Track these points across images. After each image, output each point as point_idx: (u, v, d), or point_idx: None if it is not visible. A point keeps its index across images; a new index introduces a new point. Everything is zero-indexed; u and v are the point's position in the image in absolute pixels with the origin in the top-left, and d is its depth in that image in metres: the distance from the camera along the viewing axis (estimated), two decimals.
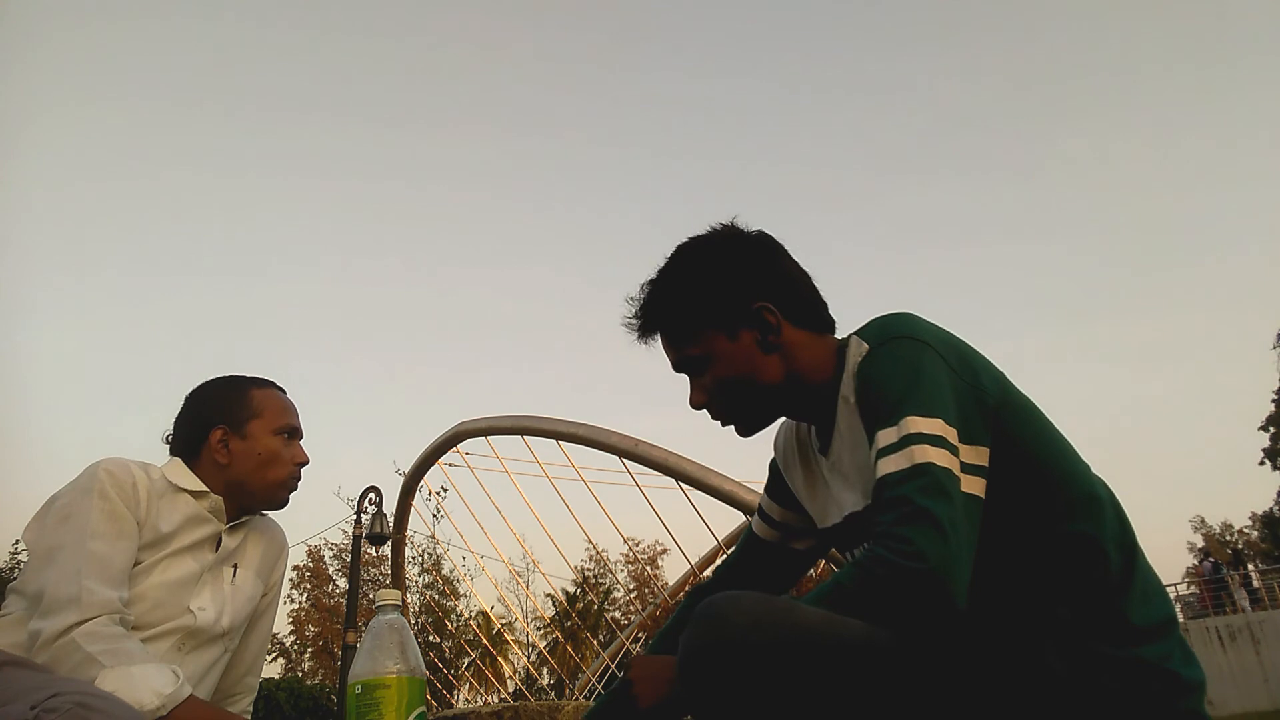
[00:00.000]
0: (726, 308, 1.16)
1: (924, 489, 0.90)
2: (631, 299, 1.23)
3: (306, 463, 1.64)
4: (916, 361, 1.00)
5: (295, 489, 1.63)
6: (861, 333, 1.11)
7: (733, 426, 1.20)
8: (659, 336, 1.22)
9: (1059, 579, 0.97)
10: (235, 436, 1.56)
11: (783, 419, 1.30)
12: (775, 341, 1.15)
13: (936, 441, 0.92)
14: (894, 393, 0.98)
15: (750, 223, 1.24)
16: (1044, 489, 1.00)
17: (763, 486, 1.39)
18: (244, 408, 1.59)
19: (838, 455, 1.14)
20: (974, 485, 0.94)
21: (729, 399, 1.17)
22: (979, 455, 0.96)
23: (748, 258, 1.19)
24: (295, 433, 1.63)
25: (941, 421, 0.94)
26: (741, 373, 1.15)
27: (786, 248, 1.23)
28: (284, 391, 1.68)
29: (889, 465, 0.94)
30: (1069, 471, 1.03)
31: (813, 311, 1.19)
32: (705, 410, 1.20)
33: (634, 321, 1.23)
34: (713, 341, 1.16)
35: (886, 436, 0.96)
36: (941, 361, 1.00)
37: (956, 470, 0.92)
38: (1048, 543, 0.98)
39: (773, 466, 1.35)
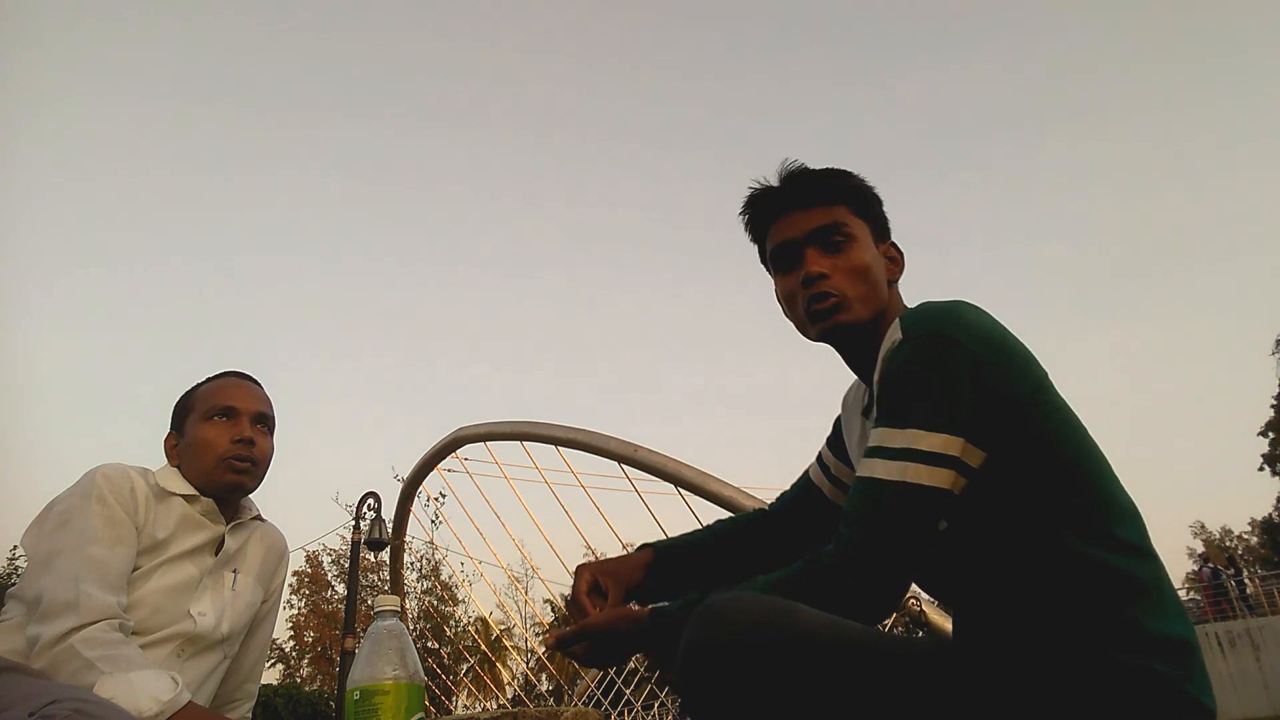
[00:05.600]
0: (881, 215, 1.24)
1: (886, 505, 0.92)
2: (793, 162, 1.24)
3: (244, 437, 1.51)
4: (937, 365, 0.96)
5: (243, 468, 1.51)
6: (904, 315, 1.05)
7: (825, 317, 1.16)
8: (819, 196, 1.20)
9: (1084, 586, 0.94)
10: (180, 437, 1.55)
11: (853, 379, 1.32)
12: (894, 275, 1.22)
13: (932, 459, 0.92)
14: (903, 397, 0.96)
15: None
16: (1079, 492, 0.96)
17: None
18: (184, 407, 1.57)
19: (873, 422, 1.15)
20: (944, 479, 0.92)
21: (851, 283, 1.16)
22: (973, 456, 0.94)
23: None
24: (230, 412, 1.52)
25: (945, 437, 0.92)
26: (872, 269, 1.17)
27: None
28: (245, 377, 1.59)
29: (875, 468, 0.94)
30: (1108, 477, 0.99)
31: None
32: (813, 285, 1.15)
33: (807, 171, 1.22)
34: (865, 230, 1.20)
35: (883, 437, 0.95)
36: (967, 361, 0.95)
37: (946, 484, 0.92)
38: (1081, 548, 0.94)
39: (837, 421, 1.40)
